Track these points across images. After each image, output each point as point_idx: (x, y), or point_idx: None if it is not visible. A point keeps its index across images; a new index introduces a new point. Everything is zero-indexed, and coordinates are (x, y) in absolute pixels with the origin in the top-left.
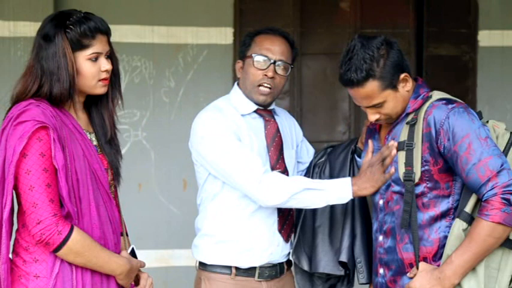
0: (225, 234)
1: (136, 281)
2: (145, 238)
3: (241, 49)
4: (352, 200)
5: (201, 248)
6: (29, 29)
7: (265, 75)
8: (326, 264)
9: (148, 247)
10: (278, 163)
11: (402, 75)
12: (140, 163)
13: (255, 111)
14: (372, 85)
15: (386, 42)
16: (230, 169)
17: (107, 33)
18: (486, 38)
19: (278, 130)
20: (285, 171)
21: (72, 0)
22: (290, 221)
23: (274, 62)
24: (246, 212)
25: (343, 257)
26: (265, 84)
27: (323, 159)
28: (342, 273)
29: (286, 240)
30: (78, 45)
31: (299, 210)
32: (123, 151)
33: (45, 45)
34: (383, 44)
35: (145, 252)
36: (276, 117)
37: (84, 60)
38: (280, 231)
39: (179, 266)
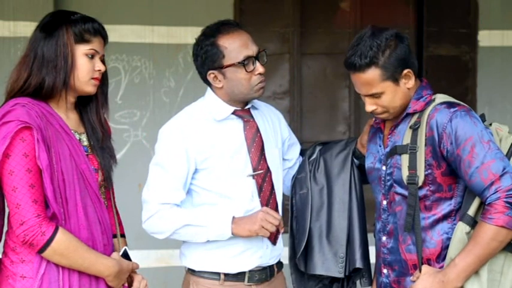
0: (213, 242)
1: (131, 282)
2: (145, 238)
3: (210, 59)
4: (357, 204)
5: (189, 256)
6: (29, 29)
7: (259, 73)
8: (323, 265)
9: (148, 247)
10: (260, 164)
11: (405, 71)
12: (140, 163)
13: (233, 113)
14: (373, 73)
15: (396, 36)
16: (144, 187)
17: (105, 38)
18: (486, 38)
19: (258, 130)
20: (267, 172)
21: (73, 0)
22: None
23: (257, 57)
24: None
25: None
26: (261, 81)
27: (314, 156)
28: (342, 275)
29: (274, 242)
30: (80, 38)
31: (291, 211)
32: (123, 151)
33: (46, 34)
34: (393, 36)
35: (145, 252)
36: (255, 115)
37: (81, 55)
38: None
39: (179, 266)
